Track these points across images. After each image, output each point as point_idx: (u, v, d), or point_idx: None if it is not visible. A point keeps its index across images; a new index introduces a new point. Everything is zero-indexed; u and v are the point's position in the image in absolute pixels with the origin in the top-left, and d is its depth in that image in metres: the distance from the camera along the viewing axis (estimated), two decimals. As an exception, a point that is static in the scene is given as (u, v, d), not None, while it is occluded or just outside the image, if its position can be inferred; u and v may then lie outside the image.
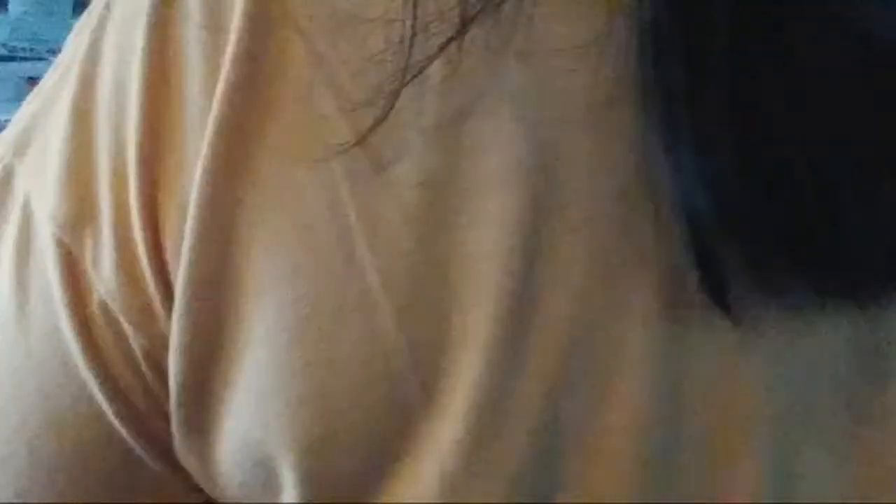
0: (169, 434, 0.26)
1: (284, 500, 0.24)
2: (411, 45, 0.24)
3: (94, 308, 0.26)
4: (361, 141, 0.24)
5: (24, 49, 3.89)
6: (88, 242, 0.26)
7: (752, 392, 0.26)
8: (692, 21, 0.24)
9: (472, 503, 0.23)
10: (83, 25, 0.30)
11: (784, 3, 0.25)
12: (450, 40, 0.24)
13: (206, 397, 0.25)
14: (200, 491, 0.28)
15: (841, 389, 0.26)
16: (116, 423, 0.26)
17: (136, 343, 0.26)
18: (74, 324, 0.26)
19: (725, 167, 0.23)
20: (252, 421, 0.24)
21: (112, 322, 0.25)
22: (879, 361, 0.26)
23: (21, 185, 0.28)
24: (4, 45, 3.82)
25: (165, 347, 0.25)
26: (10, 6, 4.09)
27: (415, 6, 0.25)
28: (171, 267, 0.25)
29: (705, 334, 0.25)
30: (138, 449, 0.26)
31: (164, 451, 0.27)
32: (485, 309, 0.24)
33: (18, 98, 4.07)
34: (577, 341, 0.24)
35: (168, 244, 0.25)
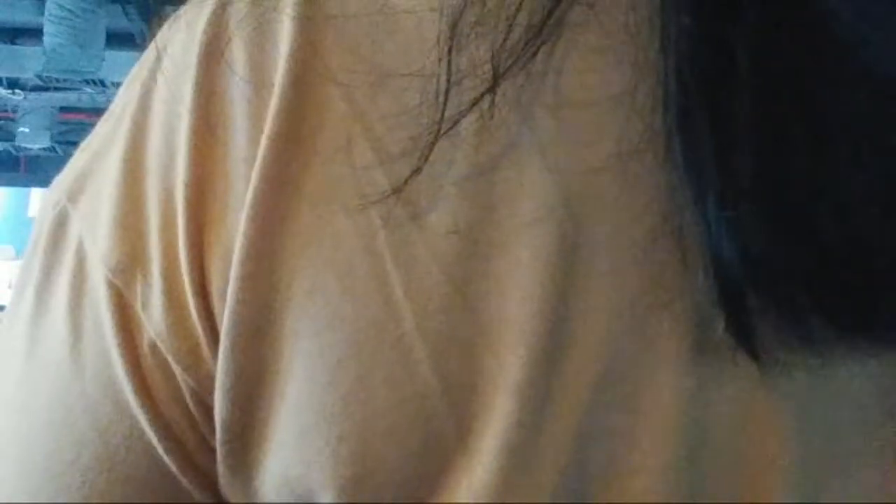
0: (215, 469, 0.27)
1: None
2: (446, 100, 0.25)
3: (145, 348, 0.26)
4: (398, 190, 0.25)
5: (58, 80, 3.96)
6: (138, 286, 0.27)
7: (778, 432, 0.26)
8: (716, 75, 0.25)
9: None
10: (134, 75, 0.31)
11: (805, 55, 0.26)
12: (482, 94, 0.25)
13: (249, 435, 0.26)
14: None
15: (867, 428, 0.27)
16: (166, 458, 0.27)
17: (183, 383, 0.26)
18: (126, 362, 0.26)
19: (750, 216, 0.24)
20: (293, 458, 0.25)
21: (161, 362, 0.26)
22: None
23: (75, 228, 0.29)
24: (39, 76, 3.89)
25: (212, 388, 0.26)
26: (45, 38, 4.16)
27: (449, 62, 0.26)
28: (216, 311, 0.26)
29: (732, 376, 0.25)
30: (186, 482, 0.27)
31: (211, 484, 0.27)
32: (517, 352, 0.25)
33: (52, 127, 4.12)
34: (606, 383, 0.25)
35: (214, 289, 0.26)
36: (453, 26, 0.26)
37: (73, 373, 0.27)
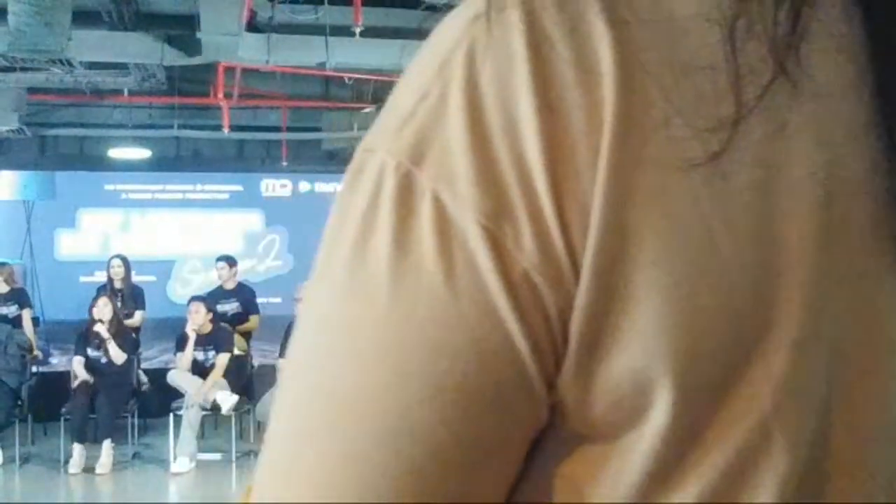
0: (555, 371, 0.36)
1: (651, 415, 0.34)
2: (739, 88, 0.35)
3: (517, 277, 0.35)
4: (715, 157, 0.34)
5: (23, 60, 3.91)
6: (507, 229, 0.34)
7: None
8: None
9: (797, 408, 0.34)
10: (442, 61, 0.36)
11: None
12: (770, 83, 0.34)
13: (599, 340, 0.35)
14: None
15: None
16: (531, 362, 0.35)
17: (550, 303, 0.35)
18: (503, 287, 0.34)
19: None
20: (638, 357, 0.34)
21: (532, 288, 0.34)
22: None
23: (426, 186, 0.35)
24: (3, 56, 3.84)
25: (571, 305, 0.35)
26: (9, 17, 4.08)
27: (734, 59, 0.35)
28: (577, 248, 0.35)
29: None
30: (537, 381, 0.36)
31: (551, 383, 0.36)
32: (798, 272, 0.34)
33: (20, 108, 4.02)
34: (854, 291, 0.35)
35: (574, 230, 0.35)
36: (731, 32, 0.35)
37: (448, 297, 0.35)
